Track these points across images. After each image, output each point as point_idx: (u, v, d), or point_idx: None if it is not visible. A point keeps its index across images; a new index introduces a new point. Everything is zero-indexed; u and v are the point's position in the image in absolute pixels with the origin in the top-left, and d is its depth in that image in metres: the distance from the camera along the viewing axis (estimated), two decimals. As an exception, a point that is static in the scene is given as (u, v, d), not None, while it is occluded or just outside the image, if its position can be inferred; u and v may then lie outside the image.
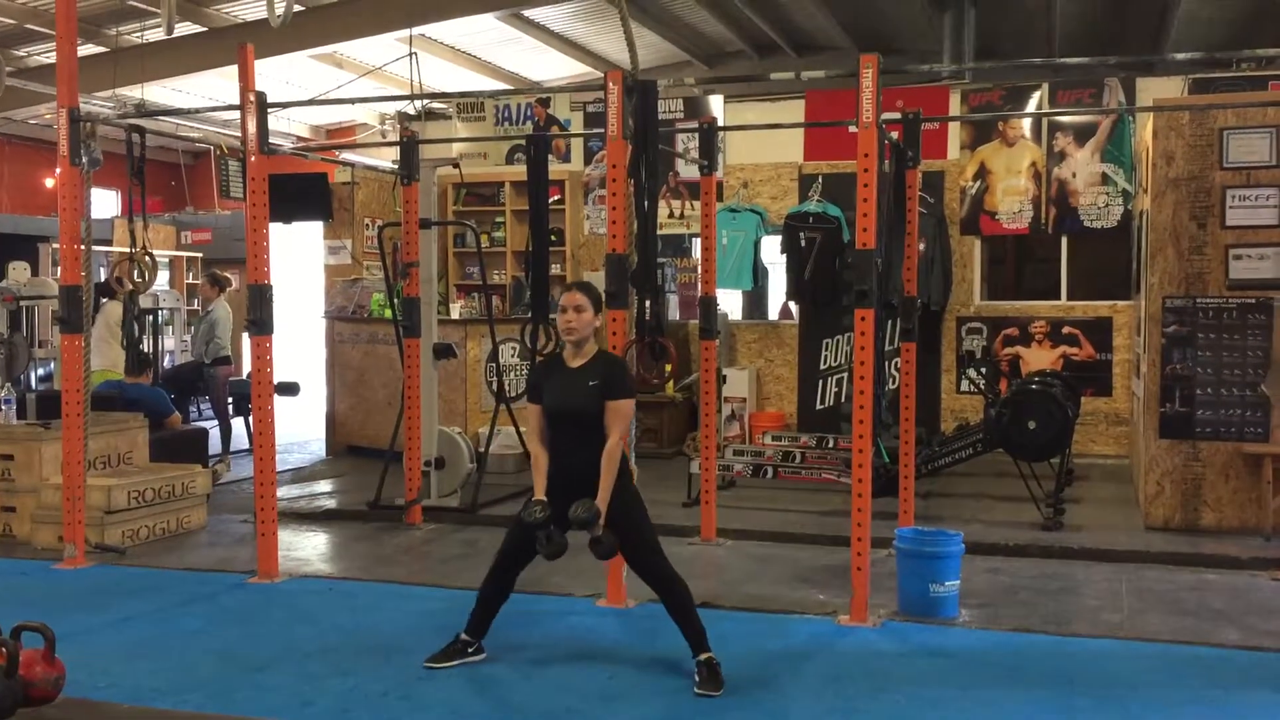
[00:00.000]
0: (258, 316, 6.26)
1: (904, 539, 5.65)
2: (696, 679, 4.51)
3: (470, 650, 4.85)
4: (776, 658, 4.95)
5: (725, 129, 10.12)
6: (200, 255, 14.74)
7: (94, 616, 5.58)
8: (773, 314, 11.96)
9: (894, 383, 8.68)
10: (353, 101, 9.58)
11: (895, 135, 6.68)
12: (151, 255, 6.95)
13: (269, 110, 6.31)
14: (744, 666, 4.68)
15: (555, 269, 10.88)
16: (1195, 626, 5.38)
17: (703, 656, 4.57)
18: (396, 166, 7.74)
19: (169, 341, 13.65)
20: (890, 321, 8.61)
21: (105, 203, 17.13)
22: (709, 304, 7.19)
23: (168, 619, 5.63)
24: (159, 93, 13.39)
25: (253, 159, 6.24)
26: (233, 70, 7.10)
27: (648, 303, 6.01)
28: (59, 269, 7.17)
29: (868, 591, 5.44)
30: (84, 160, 6.55)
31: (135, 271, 6.85)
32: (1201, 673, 4.71)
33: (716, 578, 6.36)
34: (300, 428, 12.09)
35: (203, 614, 5.71)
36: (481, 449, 8.30)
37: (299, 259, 12.90)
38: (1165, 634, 5.24)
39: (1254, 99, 7.45)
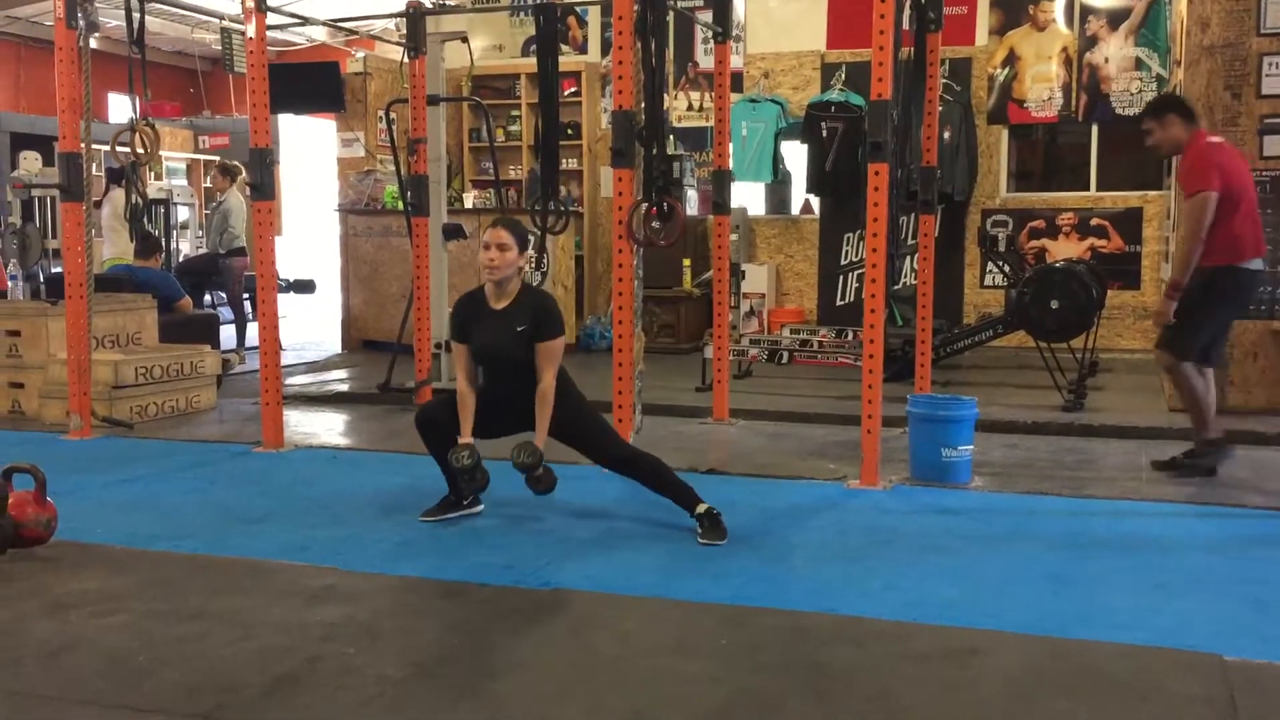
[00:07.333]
0: (259, 181, 6.14)
1: (917, 404, 5.51)
2: (699, 530, 4.41)
3: (466, 503, 4.76)
4: (782, 514, 4.85)
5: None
6: (217, 159, 14.60)
7: (95, 477, 5.54)
8: (794, 211, 11.72)
9: (913, 277, 8.50)
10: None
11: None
12: (153, 125, 6.80)
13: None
14: (748, 522, 4.58)
15: (573, 163, 10.71)
16: (1217, 492, 5.21)
17: (700, 509, 4.46)
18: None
19: (185, 245, 13.59)
20: (908, 218, 8.40)
21: (123, 107, 16.97)
22: (721, 177, 6.99)
23: (169, 479, 5.58)
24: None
25: (251, 18, 6.07)
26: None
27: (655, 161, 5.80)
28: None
29: (878, 455, 5.31)
30: (81, 24, 6.40)
31: (137, 141, 6.71)
32: (1221, 529, 4.57)
33: (726, 450, 6.24)
34: (317, 329, 12.04)
35: (204, 476, 5.66)
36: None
37: (315, 160, 12.71)
38: (1185, 498, 5.09)
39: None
